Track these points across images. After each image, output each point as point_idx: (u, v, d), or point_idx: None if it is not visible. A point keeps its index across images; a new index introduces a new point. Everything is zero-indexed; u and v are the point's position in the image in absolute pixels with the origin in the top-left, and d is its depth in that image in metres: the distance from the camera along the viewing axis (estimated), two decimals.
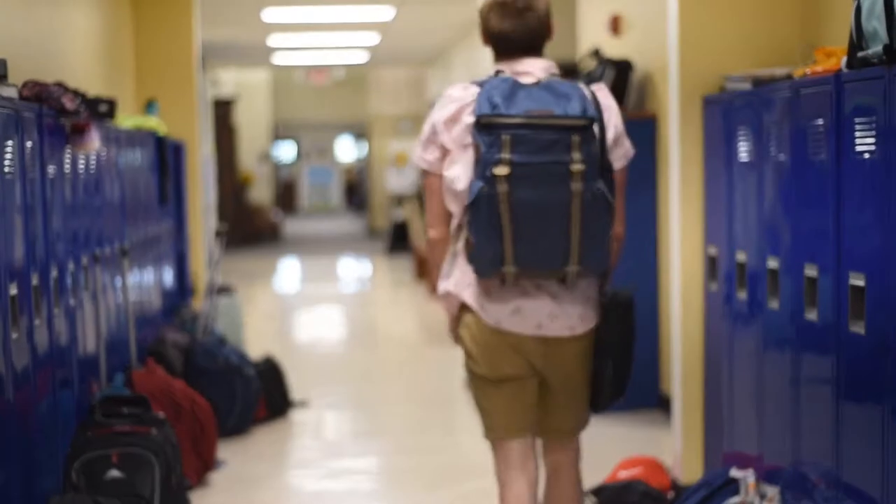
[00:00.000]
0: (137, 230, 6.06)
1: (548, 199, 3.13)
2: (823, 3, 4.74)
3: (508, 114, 3.14)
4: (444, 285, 3.39)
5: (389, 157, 20.22)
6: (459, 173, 3.26)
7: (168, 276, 7.38)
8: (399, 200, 18.82)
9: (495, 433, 3.41)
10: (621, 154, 3.37)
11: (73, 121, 4.34)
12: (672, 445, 5.25)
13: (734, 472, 4.04)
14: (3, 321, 3.44)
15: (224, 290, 8.45)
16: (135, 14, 8.25)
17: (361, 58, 16.46)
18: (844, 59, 3.54)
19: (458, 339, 3.45)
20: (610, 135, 3.30)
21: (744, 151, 4.40)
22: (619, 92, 6.70)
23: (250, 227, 20.77)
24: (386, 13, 11.60)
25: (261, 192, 22.48)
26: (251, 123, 21.91)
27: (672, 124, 5.05)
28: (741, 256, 4.45)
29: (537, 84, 3.24)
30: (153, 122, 6.98)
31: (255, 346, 8.10)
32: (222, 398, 6.13)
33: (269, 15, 11.46)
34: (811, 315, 3.79)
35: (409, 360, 8.94)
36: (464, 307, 3.36)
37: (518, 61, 3.35)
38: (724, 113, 4.61)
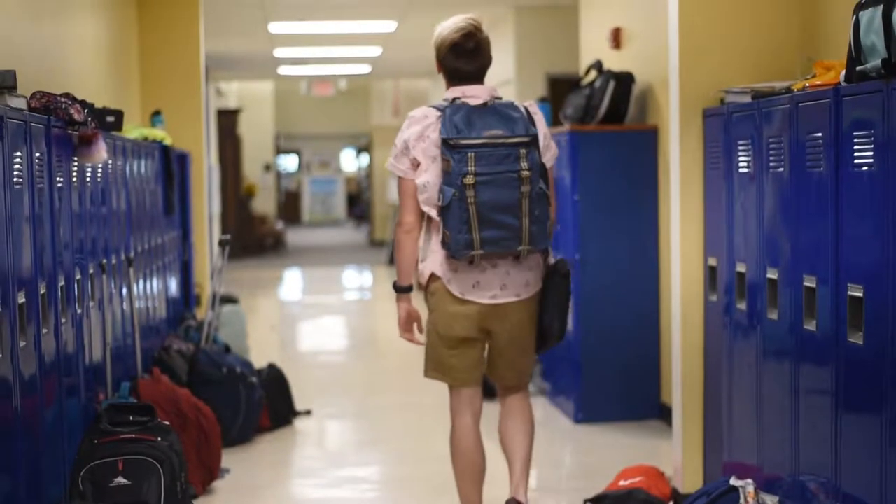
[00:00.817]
0: (143, 240, 6.10)
1: (504, 199, 4.10)
2: (823, 17, 4.78)
3: (471, 136, 4.10)
4: (422, 266, 4.31)
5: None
6: (429, 179, 4.20)
7: (173, 286, 7.42)
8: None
9: (452, 382, 4.38)
10: (551, 156, 4.31)
11: (80, 131, 4.38)
12: (672, 454, 5.28)
13: (734, 481, 4.06)
14: (10, 330, 3.46)
15: (228, 299, 8.48)
16: (141, 26, 8.30)
17: (364, 70, 16.53)
18: (843, 72, 3.58)
19: (408, 324, 4.38)
20: (542, 142, 4.21)
21: (744, 163, 4.44)
22: (620, 104, 6.74)
23: (254, 238, 20.80)
24: (388, 26, 11.68)
25: (264, 203, 22.52)
26: (255, 134, 21.96)
27: (672, 136, 5.08)
28: (741, 267, 4.49)
29: (485, 106, 4.20)
30: (159, 133, 7.02)
31: (259, 356, 8.12)
32: (226, 407, 6.15)
33: (275, 27, 11.54)
34: (810, 326, 3.82)
35: (411, 370, 8.92)
36: (434, 281, 4.27)
37: (468, 87, 4.26)
38: (724, 125, 4.65)
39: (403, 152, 4.25)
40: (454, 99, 4.23)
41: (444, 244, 4.16)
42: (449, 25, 4.32)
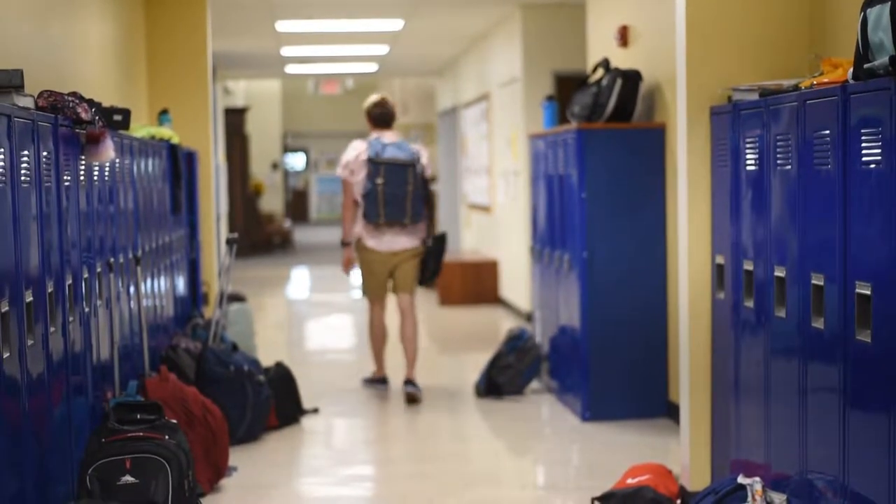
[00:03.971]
0: (150, 238, 6.10)
1: (399, 192, 7.26)
2: (830, 14, 4.77)
3: (383, 158, 7.28)
4: (354, 230, 7.46)
5: None
6: (359, 179, 7.36)
7: (180, 284, 7.43)
8: None
9: (371, 297, 7.64)
10: (427, 173, 7.45)
11: (88, 130, 4.38)
12: (680, 452, 5.28)
13: (741, 480, 4.06)
14: (18, 328, 3.47)
15: (235, 297, 8.48)
16: (148, 24, 8.31)
17: (371, 68, 16.52)
18: (851, 70, 3.57)
19: (348, 265, 7.65)
20: (423, 163, 7.41)
21: (751, 161, 4.43)
22: (627, 102, 6.74)
23: (261, 236, 20.82)
24: (395, 24, 11.68)
25: (272, 201, 22.53)
26: (262, 133, 21.97)
27: (680, 134, 5.07)
28: (748, 265, 4.48)
29: (393, 143, 7.40)
30: (166, 132, 7.03)
31: (267, 354, 8.13)
32: (234, 405, 6.16)
33: (283, 26, 11.54)
34: (818, 324, 3.82)
35: (419, 368, 8.96)
36: (360, 240, 7.45)
37: (383, 132, 7.52)
38: (731, 123, 4.64)
39: (348, 166, 7.44)
40: (375, 137, 7.45)
41: (365, 215, 7.32)
42: (372, 100, 7.61)
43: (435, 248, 7.50)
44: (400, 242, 7.39)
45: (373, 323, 7.68)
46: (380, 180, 7.19)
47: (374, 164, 7.22)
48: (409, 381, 7.48)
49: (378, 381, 7.87)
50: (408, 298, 7.59)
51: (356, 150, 7.37)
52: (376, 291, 7.59)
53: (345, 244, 7.52)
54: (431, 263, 7.53)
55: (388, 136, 7.43)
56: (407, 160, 7.25)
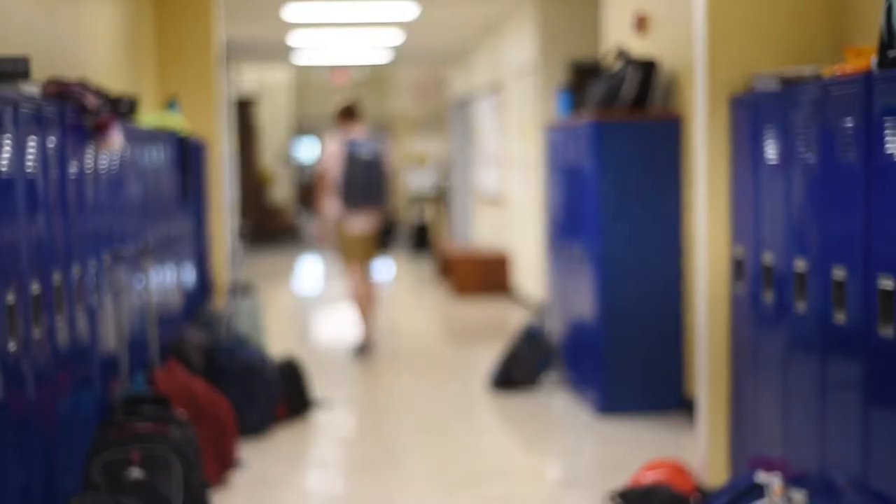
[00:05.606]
0: (159, 229, 6.05)
1: (373, 182, 8.84)
2: (853, 2, 4.69)
3: (360, 154, 8.81)
4: (329, 211, 8.96)
5: (411, 157, 20.21)
6: (335, 171, 8.83)
7: (189, 276, 7.38)
8: (420, 201, 18.80)
9: (351, 263, 9.02)
10: (387, 163, 8.97)
11: (95, 119, 4.33)
12: (697, 449, 5.21)
13: (760, 477, 4.00)
14: (25, 320, 3.43)
15: (245, 289, 8.45)
16: (156, 12, 8.25)
17: (384, 57, 16.45)
18: (874, 58, 3.49)
19: (322, 238, 9.46)
20: (386, 158, 8.93)
21: (771, 152, 4.35)
22: (644, 92, 6.66)
23: (271, 227, 20.79)
24: (409, 11, 11.57)
25: (282, 192, 22.49)
26: (272, 123, 21.93)
27: (698, 124, 5.00)
28: (768, 258, 4.41)
29: (364, 141, 8.88)
30: (175, 121, 6.97)
31: (276, 346, 8.09)
32: (242, 398, 6.12)
33: (291, 13, 11.45)
34: (839, 318, 3.75)
35: (431, 361, 8.92)
36: (338, 220, 8.94)
37: (352, 130, 9.00)
38: (751, 113, 4.57)
39: (327, 157, 8.98)
40: (348, 135, 8.96)
41: (345, 201, 8.87)
42: (341, 102, 9.22)
43: (387, 227, 9.22)
44: (367, 223, 9.01)
45: (353, 283, 9.16)
46: (359, 172, 8.83)
47: (353, 159, 8.86)
48: (369, 340, 9.24)
49: (366, 347, 9.15)
50: (366, 266, 9.23)
51: (335, 143, 9.02)
52: (353, 258, 9.14)
53: (320, 221, 9.38)
54: (386, 236, 9.24)
55: (358, 134, 8.99)
56: (379, 156, 8.95)
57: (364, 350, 9.05)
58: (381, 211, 9.01)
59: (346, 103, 9.28)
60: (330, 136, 9.29)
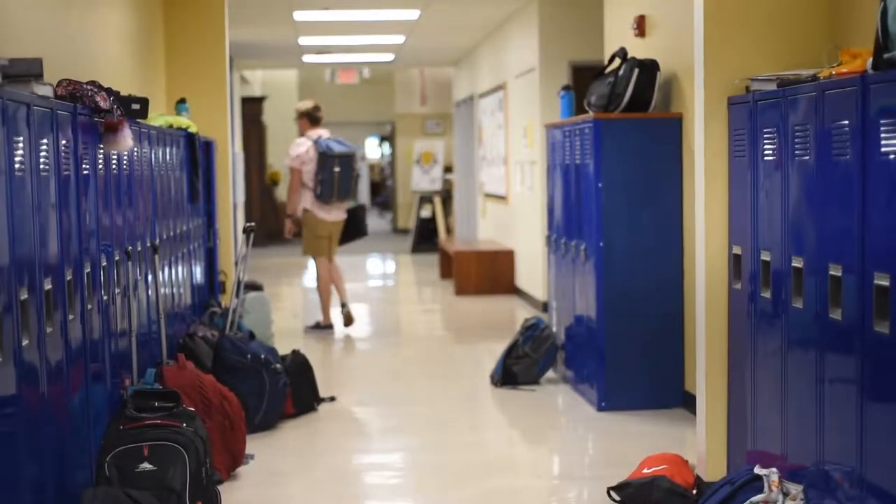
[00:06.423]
0: (168, 227, 6.12)
1: (346, 179, 9.73)
2: (849, 4, 4.75)
3: (335, 152, 9.70)
4: (302, 203, 9.77)
5: (415, 156, 20.26)
6: (308, 168, 9.69)
7: (198, 273, 7.45)
8: (424, 199, 18.85)
9: (318, 254, 9.87)
10: (357, 158, 9.81)
11: (106, 119, 4.40)
12: (696, 443, 5.28)
13: (758, 470, 4.06)
14: (37, 316, 3.49)
15: (252, 286, 8.50)
16: (167, 14, 8.32)
17: (388, 57, 16.51)
18: (870, 60, 3.55)
19: (291, 231, 9.97)
20: (357, 154, 9.91)
21: (769, 151, 4.42)
22: (644, 92, 6.71)
23: (278, 225, 20.82)
24: (411, 14, 11.67)
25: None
26: (279, 122, 21.97)
27: (697, 124, 5.06)
28: (766, 256, 4.47)
29: (334, 139, 9.83)
30: (184, 121, 7.05)
31: (283, 342, 8.15)
32: (251, 393, 6.17)
33: (300, 15, 11.55)
34: (835, 314, 3.81)
35: (435, 357, 8.98)
36: (307, 212, 9.78)
37: (320, 130, 9.87)
38: (749, 113, 4.63)
39: (299, 158, 9.69)
40: (319, 135, 9.81)
41: (320, 195, 9.65)
42: (308, 104, 10.00)
43: (355, 215, 10.13)
44: (340, 214, 9.90)
45: (321, 276, 9.93)
46: (336, 168, 9.61)
47: (330, 157, 9.62)
48: (344, 304, 10.02)
49: (326, 328, 10.02)
50: (334, 254, 10.11)
51: (304, 146, 9.70)
52: (323, 250, 9.90)
53: (290, 216, 9.86)
54: (359, 225, 10.24)
55: (326, 134, 9.87)
56: (353, 152, 9.80)
57: (325, 328, 9.96)
58: (349, 201, 10.02)
59: (312, 105, 9.97)
60: (299, 136, 9.99)
